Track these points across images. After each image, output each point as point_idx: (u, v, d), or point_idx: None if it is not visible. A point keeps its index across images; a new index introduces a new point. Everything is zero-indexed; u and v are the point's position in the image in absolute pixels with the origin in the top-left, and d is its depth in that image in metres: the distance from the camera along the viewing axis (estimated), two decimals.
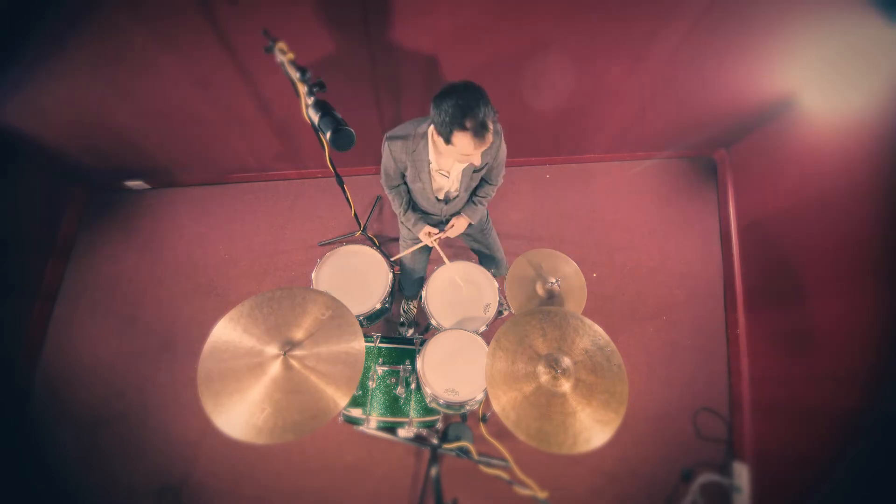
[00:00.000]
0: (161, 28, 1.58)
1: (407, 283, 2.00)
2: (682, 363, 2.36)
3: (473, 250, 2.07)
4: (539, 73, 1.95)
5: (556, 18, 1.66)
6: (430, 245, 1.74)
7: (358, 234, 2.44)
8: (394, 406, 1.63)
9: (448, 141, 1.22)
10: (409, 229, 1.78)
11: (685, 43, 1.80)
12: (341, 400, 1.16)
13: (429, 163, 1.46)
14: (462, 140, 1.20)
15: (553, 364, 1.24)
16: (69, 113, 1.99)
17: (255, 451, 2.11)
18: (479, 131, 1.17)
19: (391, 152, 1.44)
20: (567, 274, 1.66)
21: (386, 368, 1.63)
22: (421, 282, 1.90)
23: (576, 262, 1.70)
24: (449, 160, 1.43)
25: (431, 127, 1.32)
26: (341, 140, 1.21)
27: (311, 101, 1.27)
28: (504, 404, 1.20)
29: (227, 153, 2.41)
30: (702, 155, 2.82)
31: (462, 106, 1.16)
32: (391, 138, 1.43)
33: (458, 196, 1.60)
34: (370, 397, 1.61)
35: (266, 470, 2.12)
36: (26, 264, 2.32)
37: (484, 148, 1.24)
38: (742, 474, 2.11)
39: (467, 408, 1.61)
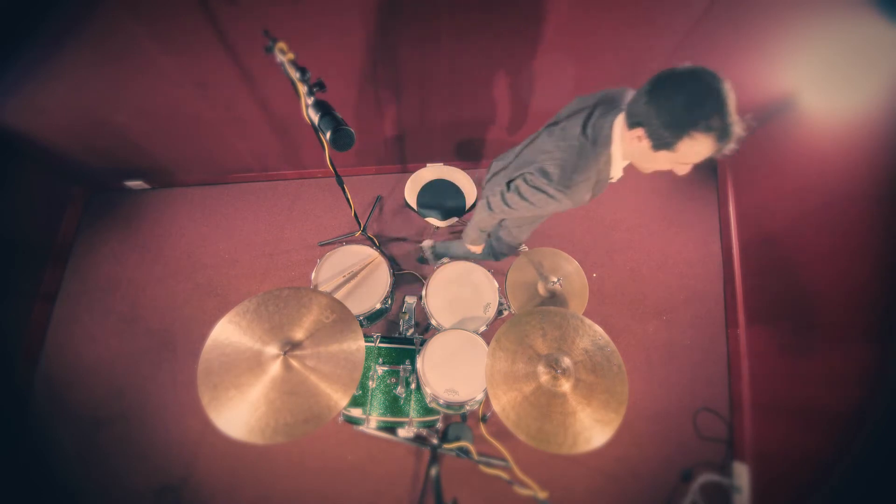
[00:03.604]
0: (161, 28, 1.58)
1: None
2: (682, 363, 2.36)
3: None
4: (540, 72, 1.95)
5: (557, 18, 1.66)
6: None
7: (358, 234, 2.45)
8: (394, 406, 1.63)
9: (670, 146, 0.96)
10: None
11: (686, 43, 1.80)
12: (341, 400, 1.16)
13: (609, 180, 1.23)
14: (697, 144, 0.93)
15: (553, 364, 1.24)
16: (69, 113, 1.99)
17: (255, 450, 2.11)
18: (726, 132, 0.91)
19: (570, 198, 1.19)
20: (568, 273, 1.66)
21: (386, 368, 1.63)
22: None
23: (576, 261, 1.70)
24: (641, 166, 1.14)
25: (623, 129, 1.07)
26: (341, 140, 1.21)
27: (311, 101, 1.27)
28: (504, 404, 1.20)
29: (227, 153, 2.41)
30: None
31: (703, 99, 0.90)
32: (572, 185, 1.17)
33: None
34: (370, 397, 1.62)
35: (266, 470, 2.12)
36: (26, 264, 2.32)
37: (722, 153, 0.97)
38: (742, 474, 2.11)
39: (467, 408, 1.61)
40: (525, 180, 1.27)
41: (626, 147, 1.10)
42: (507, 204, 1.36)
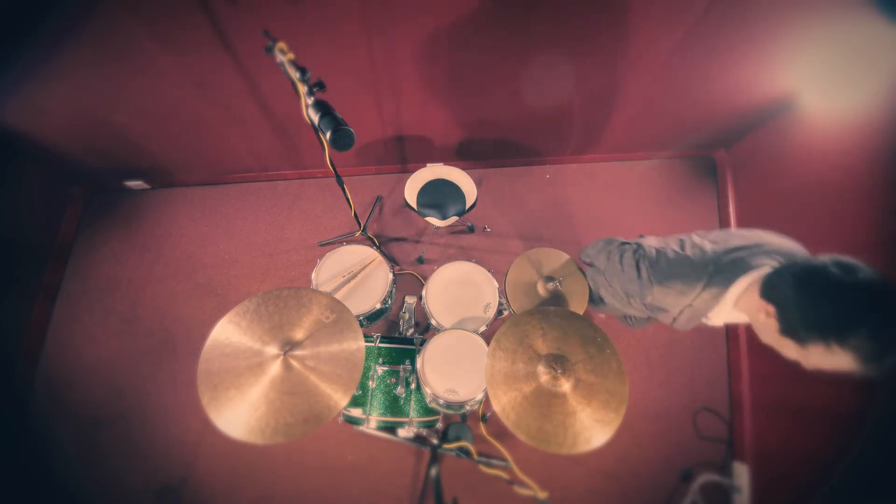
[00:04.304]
0: (161, 28, 1.58)
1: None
2: (682, 363, 2.36)
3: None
4: (540, 73, 1.95)
5: (557, 19, 1.66)
6: None
7: (358, 234, 2.45)
8: (394, 406, 1.63)
9: (802, 343, 0.83)
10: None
11: (685, 43, 1.80)
12: (341, 400, 1.16)
13: (705, 318, 1.13)
14: (833, 357, 0.80)
15: (553, 364, 1.24)
16: (69, 113, 1.99)
17: (255, 450, 2.11)
18: (877, 359, 0.76)
19: (652, 296, 1.15)
20: (568, 274, 1.66)
21: (386, 368, 1.63)
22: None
23: (576, 262, 1.70)
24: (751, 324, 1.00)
25: (754, 288, 0.95)
26: (341, 140, 1.21)
27: (311, 101, 1.27)
28: (504, 404, 1.20)
29: (227, 153, 2.41)
30: (702, 155, 2.82)
31: (859, 317, 0.76)
32: (664, 287, 1.12)
33: None
34: (370, 397, 1.61)
35: (266, 470, 2.12)
36: (26, 264, 2.32)
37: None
38: (742, 474, 2.11)
39: (467, 408, 1.61)
40: (633, 251, 1.26)
41: (749, 306, 0.98)
42: (608, 257, 1.37)
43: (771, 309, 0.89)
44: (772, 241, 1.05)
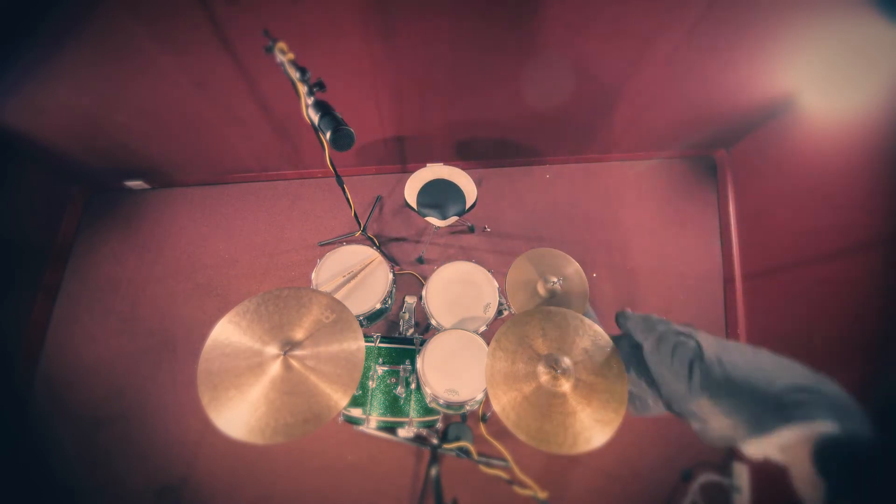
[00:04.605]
0: (161, 28, 1.58)
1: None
2: None
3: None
4: (540, 73, 1.95)
5: (556, 20, 1.66)
6: None
7: (358, 234, 2.45)
8: (394, 406, 1.63)
9: None
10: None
11: (685, 43, 1.80)
12: (341, 400, 1.16)
13: (743, 446, 1.08)
14: None
15: (553, 364, 1.24)
16: (69, 113, 1.99)
17: (255, 450, 2.11)
18: None
19: (693, 404, 1.08)
20: (569, 274, 1.66)
21: (386, 368, 1.63)
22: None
23: (576, 262, 1.70)
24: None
25: (808, 444, 0.90)
26: (341, 140, 1.22)
27: (311, 101, 1.27)
28: (504, 404, 1.20)
29: (227, 153, 2.41)
30: (702, 155, 2.82)
31: None
32: (712, 400, 1.05)
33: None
34: (370, 397, 1.61)
35: (266, 470, 2.12)
36: (26, 264, 2.32)
37: None
38: (742, 474, 2.11)
39: (467, 408, 1.61)
40: (692, 350, 1.11)
41: (795, 460, 0.93)
42: (658, 342, 1.20)
43: (819, 481, 0.84)
44: (832, 390, 0.96)
